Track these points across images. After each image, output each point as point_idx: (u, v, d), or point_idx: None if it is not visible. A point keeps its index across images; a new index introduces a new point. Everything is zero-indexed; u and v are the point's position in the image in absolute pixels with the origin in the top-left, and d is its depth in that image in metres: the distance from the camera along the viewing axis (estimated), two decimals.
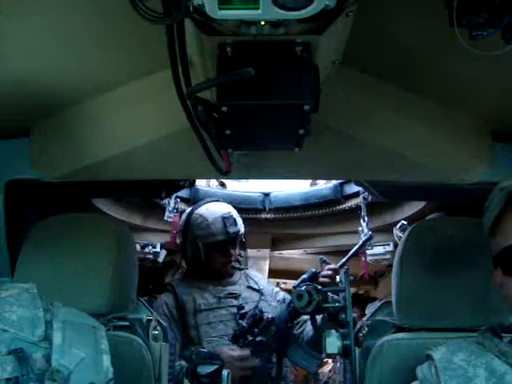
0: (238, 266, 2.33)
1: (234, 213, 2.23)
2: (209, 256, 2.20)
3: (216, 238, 2.16)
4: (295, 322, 2.14)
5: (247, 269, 2.38)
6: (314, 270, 2.03)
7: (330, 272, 2.01)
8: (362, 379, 1.35)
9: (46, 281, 1.25)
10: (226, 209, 2.23)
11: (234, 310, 2.14)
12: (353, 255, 2.17)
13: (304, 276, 1.99)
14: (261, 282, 2.32)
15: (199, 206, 2.26)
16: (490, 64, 1.08)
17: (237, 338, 2.06)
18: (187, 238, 2.22)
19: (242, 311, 2.11)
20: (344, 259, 2.13)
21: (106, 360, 1.00)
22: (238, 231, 2.19)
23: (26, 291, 1.03)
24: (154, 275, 3.35)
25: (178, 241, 2.68)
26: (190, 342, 2.08)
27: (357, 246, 2.21)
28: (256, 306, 2.14)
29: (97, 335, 1.03)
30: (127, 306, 1.39)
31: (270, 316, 2.08)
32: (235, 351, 2.00)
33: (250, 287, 2.26)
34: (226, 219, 2.17)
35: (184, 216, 2.29)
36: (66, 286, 1.28)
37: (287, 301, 2.15)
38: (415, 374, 1.08)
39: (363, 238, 2.37)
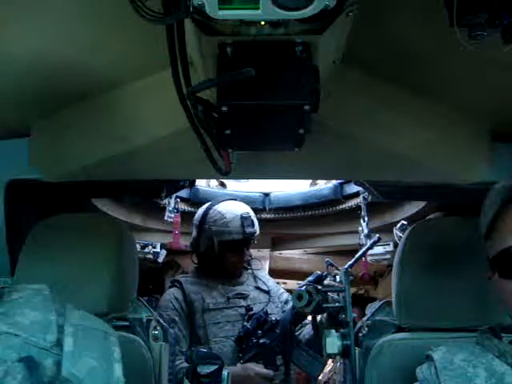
0: (247, 266, 2.31)
1: (252, 213, 2.23)
2: (222, 254, 2.18)
3: (232, 236, 2.15)
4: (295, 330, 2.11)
5: (258, 269, 2.36)
6: (319, 272, 2.02)
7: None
8: (361, 379, 1.35)
9: (46, 281, 1.24)
10: (244, 209, 2.23)
11: (242, 310, 2.13)
12: (360, 257, 2.13)
13: (309, 278, 1.98)
14: (269, 283, 2.30)
15: (217, 203, 2.25)
16: (490, 64, 1.08)
17: (241, 340, 2.04)
18: (202, 233, 2.21)
19: (251, 312, 2.10)
20: (351, 261, 2.10)
21: (118, 369, 0.95)
22: (255, 232, 2.18)
23: (39, 293, 0.99)
24: (154, 275, 3.35)
25: (181, 242, 2.68)
26: (197, 341, 2.06)
27: (365, 248, 2.16)
28: (262, 308, 2.12)
29: (109, 342, 0.99)
30: (127, 305, 1.39)
31: (274, 318, 2.06)
32: (262, 369, 1.99)
33: (258, 288, 2.25)
34: (245, 219, 2.16)
35: (201, 211, 2.27)
36: (66, 286, 1.28)
37: (290, 302, 2.13)
38: (415, 374, 1.08)
39: (371, 241, 2.32)
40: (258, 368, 1.98)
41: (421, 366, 1.07)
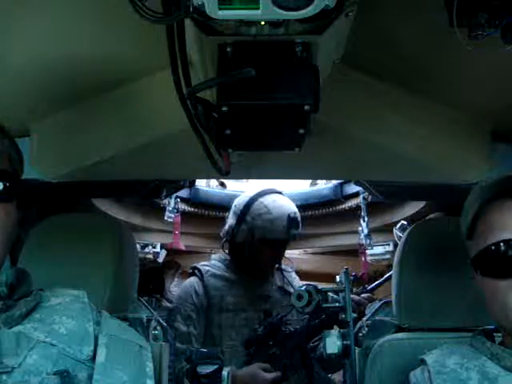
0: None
1: (298, 213, 2.12)
2: (260, 250, 2.08)
3: (275, 235, 2.04)
4: (311, 337, 2.03)
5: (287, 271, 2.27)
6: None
7: (358, 297, 1.95)
8: (361, 379, 1.35)
9: (46, 281, 1.24)
10: (292, 208, 2.11)
11: (262, 314, 2.05)
12: (385, 281, 2.09)
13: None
14: (294, 283, 2.21)
15: (264, 195, 2.13)
16: (490, 64, 1.08)
17: (249, 345, 1.96)
18: (242, 224, 2.08)
19: (269, 319, 2.01)
20: (375, 283, 2.07)
21: None
22: (299, 235, 2.08)
23: (77, 300, 0.98)
24: (154, 275, 3.35)
25: (181, 242, 2.63)
26: (211, 339, 2.00)
27: (388, 274, 2.09)
28: (277, 314, 2.02)
29: (143, 356, 0.95)
30: (127, 305, 1.39)
31: (288, 329, 1.97)
32: (268, 373, 1.89)
33: (281, 288, 2.15)
34: (292, 220, 2.04)
35: (243, 200, 2.15)
36: (66, 286, 1.27)
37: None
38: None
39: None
40: (265, 373, 1.88)
41: (414, 370, 1.07)
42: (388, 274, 2.07)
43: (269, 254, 2.11)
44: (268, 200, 2.11)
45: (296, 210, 2.12)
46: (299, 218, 2.09)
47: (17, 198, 0.94)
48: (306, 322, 1.98)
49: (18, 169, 0.99)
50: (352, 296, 1.81)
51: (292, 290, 2.10)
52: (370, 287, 2.03)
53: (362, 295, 1.97)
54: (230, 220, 2.17)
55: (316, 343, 2.04)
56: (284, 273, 2.23)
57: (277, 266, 2.22)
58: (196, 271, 2.13)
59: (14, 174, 0.96)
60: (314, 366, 1.96)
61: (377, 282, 2.05)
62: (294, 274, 2.33)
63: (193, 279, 2.11)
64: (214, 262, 2.18)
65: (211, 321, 2.02)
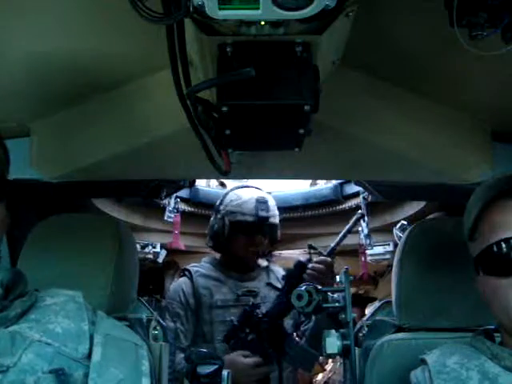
0: (265, 258, 2.27)
1: (271, 202, 2.19)
2: (233, 236, 2.13)
3: (245, 217, 2.10)
4: (301, 323, 2.08)
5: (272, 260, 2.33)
6: (301, 259, 1.99)
7: (320, 266, 1.96)
8: (361, 379, 1.35)
9: (45, 281, 1.24)
10: (262, 194, 2.21)
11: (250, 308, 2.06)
12: (344, 237, 2.08)
13: (293, 270, 1.96)
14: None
15: (240, 187, 2.25)
16: (490, 64, 1.08)
17: (228, 338, 2.00)
18: (217, 214, 2.19)
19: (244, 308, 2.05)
20: (332, 246, 2.05)
21: (146, 383, 0.92)
22: (268, 217, 2.13)
23: (72, 300, 0.98)
24: (154, 275, 3.36)
25: (181, 242, 2.65)
26: (202, 337, 2.04)
27: (349, 225, 2.10)
28: (251, 303, 2.06)
29: (138, 354, 0.96)
30: (127, 305, 1.39)
31: (261, 313, 2.00)
32: (249, 359, 1.92)
33: (269, 284, 2.20)
34: (260, 203, 2.13)
35: (221, 195, 2.27)
36: (66, 286, 1.27)
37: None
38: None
39: (355, 216, 2.22)
40: (244, 359, 1.92)
41: (415, 370, 1.07)
42: (343, 233, 2.06)
43: (243, 241, 2.14)
44: (240, 190, 2.22)
45: (267, 197, 2.19)
46: (270, 204, 2.16)
47: (6, 199, 0.93)
48: (275, 303, 2.02)
49: (4, 169, 0.98)
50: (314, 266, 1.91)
51: (280, 286, 2.15)
52: (327, 251, 2.01)
53: (316, 259, 1.98)
54: (212, 217, 2.26)
55: (305, 327, 2.09)
56: (272, 269, 2.28)
57: (266, 265, 2.27)
58: (186, 272, 2.18)
59: (1, 174, 0.95)
60: (294, 342, 1.98)
61: (333, 245, 2.03)
62: (281, 271, 2.35)
63: (182, 280, 2.17)
64: (203, 264, 2.25)
65: (202, 319, 2.06)
